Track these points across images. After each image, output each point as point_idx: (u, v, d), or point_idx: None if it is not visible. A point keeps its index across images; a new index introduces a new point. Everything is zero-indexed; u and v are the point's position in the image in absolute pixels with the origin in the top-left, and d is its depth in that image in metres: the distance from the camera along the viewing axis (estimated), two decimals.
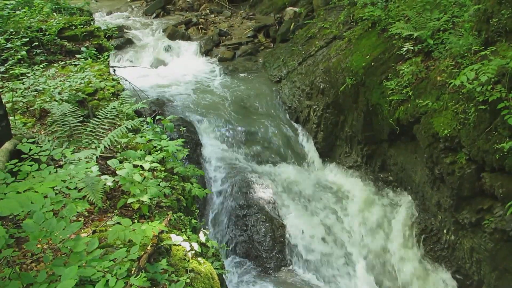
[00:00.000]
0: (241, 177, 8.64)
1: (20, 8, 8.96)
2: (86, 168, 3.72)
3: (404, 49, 7.49)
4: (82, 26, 8.97)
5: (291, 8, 15.10)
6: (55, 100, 5.97)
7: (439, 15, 7.45)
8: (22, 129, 4.97)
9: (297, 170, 9.28)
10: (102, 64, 7.87)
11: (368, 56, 8.36)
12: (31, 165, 3.62)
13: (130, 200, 3.97)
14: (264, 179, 8.69)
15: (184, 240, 3.69)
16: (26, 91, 6.31)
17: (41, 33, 8.15)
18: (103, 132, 5.08)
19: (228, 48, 14.42)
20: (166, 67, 13.42)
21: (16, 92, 6.21)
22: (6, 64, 7.21)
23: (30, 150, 4.01)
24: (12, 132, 4.43)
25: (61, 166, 4.26)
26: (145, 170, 4.46)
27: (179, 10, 19.01)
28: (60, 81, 6.71)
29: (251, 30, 15.56)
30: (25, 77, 6.79)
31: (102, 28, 9.90)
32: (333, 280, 7.31)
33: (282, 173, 9.04)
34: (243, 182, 8.51)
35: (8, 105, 5.61)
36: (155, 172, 4.80)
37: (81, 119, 5.36)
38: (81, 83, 6.62)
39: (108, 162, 4.39)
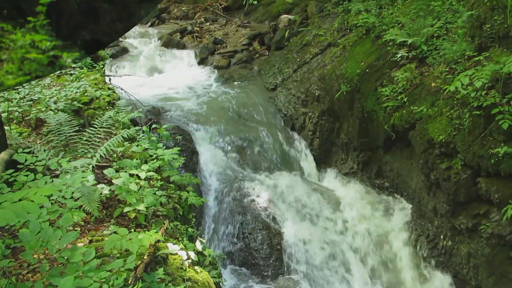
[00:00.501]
0: (237, 185, 8.63)
1: None
2: (82, 178, 3.71)
3: (399, 55, 7.54)
4: None
5: (285, 15, 15.16)
6: (50, 109, 5.97)
7: (432, 21, 7.50)
8: (18, 139, 4.96)
9: (293, 177, 9.26)
10: (97, 73, 7.88)
11: (362, 63, 8.40)
12: (27, 175, 3.62)
13: (126, 209, 3.97)
14: (260, 187, 8.67)
15: (181, 249, 3.68)
16: (22, 100, 6.31)
17: None
18: (99, 141, 5.08)
19: (223, 56, 14.44)
20: (162, 76, 13.42)
21: (12, 102, 6.21)
22: None
23: (26, 160, 4.01)
24: (7, 142, 4.42)
25: (57, 176, 4.25)
26: (141, 179, 4.46)
27: (174, 18, 19.04)
28: (55, 90, 6.72)
29: (246, 38, 15.60)
30: (21, 86, 6.79)
31: None
32: None
33: (278, 180, 9.02)
34: (239, 190, 8.50)
35: (4, 115, 5.60)
36: (151, 181, 4.80)
37: (77, 128, 5.36)
38: (76, 92, 6.62)
39: (104, 171, 4.38)
